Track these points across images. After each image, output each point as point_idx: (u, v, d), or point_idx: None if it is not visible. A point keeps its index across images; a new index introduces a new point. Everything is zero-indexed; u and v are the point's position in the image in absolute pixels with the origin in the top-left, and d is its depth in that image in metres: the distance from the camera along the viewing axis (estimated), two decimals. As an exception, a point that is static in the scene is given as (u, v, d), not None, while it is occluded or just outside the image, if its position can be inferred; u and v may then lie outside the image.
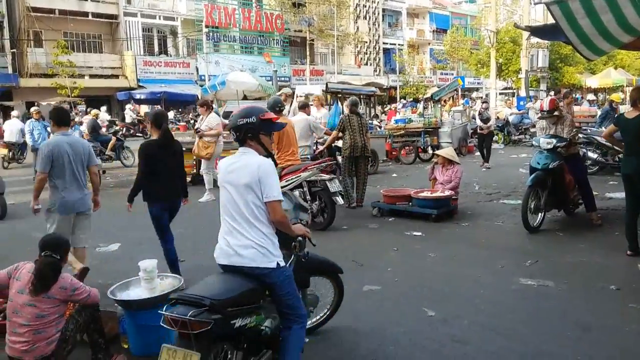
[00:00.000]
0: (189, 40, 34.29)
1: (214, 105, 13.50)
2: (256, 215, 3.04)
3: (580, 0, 5.25)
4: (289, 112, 10.60)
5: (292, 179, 7.24)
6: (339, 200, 7.43)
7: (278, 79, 27.72)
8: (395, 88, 42.94)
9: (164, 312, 2.77)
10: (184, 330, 2.70)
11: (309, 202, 7.36)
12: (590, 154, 11.58)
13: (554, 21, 5.75)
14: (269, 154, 3.25)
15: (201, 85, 24.11)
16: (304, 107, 9.86)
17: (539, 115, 7.73)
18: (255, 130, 3.14)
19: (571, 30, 5.70)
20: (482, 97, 24.06)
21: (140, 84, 29.88)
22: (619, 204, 8.01)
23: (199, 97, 16.40)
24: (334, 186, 7.34)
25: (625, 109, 14.74)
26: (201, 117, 10.38)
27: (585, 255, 5.99)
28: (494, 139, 19.06)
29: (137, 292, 4.06)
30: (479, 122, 13.81)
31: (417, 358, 3.78)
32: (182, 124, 14.76)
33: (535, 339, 3.94)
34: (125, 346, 4.02)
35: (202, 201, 9.56)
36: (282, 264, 3.09)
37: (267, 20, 36.12)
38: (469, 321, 4.30)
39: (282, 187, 7.99)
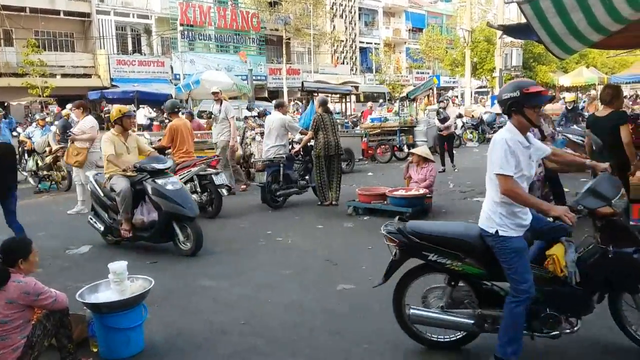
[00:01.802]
0: (164, 38, 33.88)
1: (186, 104, 13.34)
2: (491, 185, 3.36)
3: (551, -1, 5.31)
4: (219, 111, 10.36)
5: (184, 173, 8.41)
6: (224, 192, 8.39)
7: (254, 77, 27.58)
8: (372, 87, 43.10)
9: (382, 231, 3.62)
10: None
11: (199, 193, 8.46)
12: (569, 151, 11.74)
13: (526, 20, 5.81)
14: (534, 126, 3.44)
15: (176, 85, 23.85)
16: (280, 106, 9.82)
17: None
18: (519, 104, 3.28)
19: (542, 29, 5.75)
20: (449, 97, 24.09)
21: (114, 83, 29.42)
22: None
23: (173, 97, 16.25)
24: (220, 179, 8.37)
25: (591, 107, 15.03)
26: (77, 120, 9.68)
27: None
28: (469, 137, 19.33)
29: (106, 294, 3.99)
30: (436, 123, 13.30)
31: (392, 356, 3.78)
32: (156, 123, 14.55)
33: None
34: (95, 349, 3.94)
35: (71, 212, 8.91)
36: (503, 233, 3.30)
37: (243, 19, 35.87)
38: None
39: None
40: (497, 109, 21.30)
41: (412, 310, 3.66)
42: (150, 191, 6.23)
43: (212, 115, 10.94)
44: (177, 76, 31.00)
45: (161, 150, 8.62)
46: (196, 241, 6.24)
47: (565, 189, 7.63)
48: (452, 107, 15.75)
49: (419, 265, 3.70)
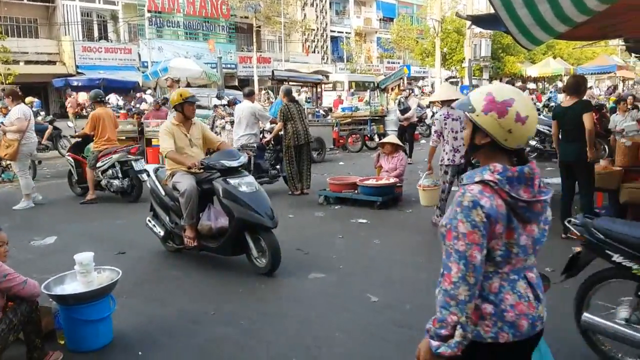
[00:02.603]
0: (131, 25, 33.18)
1: (154, 92, 13.11)
2: None
3: (519, -11, 5.37)
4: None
5: (106, 160, 8.64)
6: (145, 177, 7.98)
7: (224, 66, 27.28)
8: (342, 76, 43.08)
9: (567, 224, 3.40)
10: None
11: (120, 179, 8.71)
12: (529, 141, 11.96)
13: (494, 11, 5.87)
14: None
15: (143, 72, 23.42)
16: (249, 95, 9.74)
17: None
18: None
19: (510, 20, 5.82)
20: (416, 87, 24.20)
21: (79, 70, 28.75)
22: (556, 189, 8.28)
23: (140, 84, 15.96)
24: (139, 166, 8.60)
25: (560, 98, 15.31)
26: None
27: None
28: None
29: (73, 286, 3.92)
30: (397, 114, 13.11)
31: (362, 344, 3.80)
32: (123, 111, 14.27)
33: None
34: (62, 342, 3.87)
35: (17, 208, 8.41)
36: None
37: (212, 6, 35.40)
38: (411, 305, 4.37)
39: (98, 168, 8.48)
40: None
41: (585, 316, 3.32)
42: (221, 193, 5.17)
43: (168, 103, 10.75)
44: (145, 64, 30.47)
45: (84, 138, 9.09)
46: (272, 257, 5.10)
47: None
48: (414, 98, 15.67)
49: (609, 267, 3.32)
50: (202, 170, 5.38)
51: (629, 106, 11.77)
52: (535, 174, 1.94)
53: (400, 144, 8.66)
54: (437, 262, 2.02)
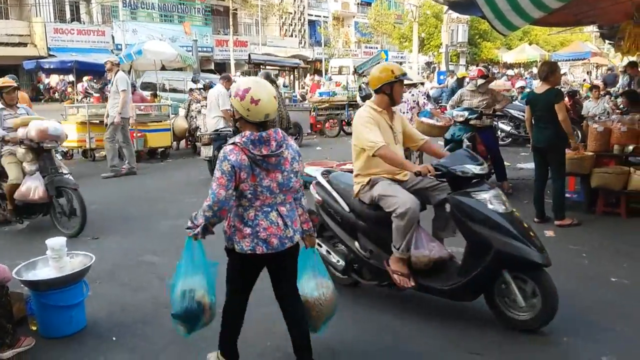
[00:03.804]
0: (104, 7, 32.47)
1: (129, 75, 12.86)
2: None
3: (495, -26, 5.41)
4: (112, 82, 9.64)
5: None
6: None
7: (200, 49, 26.91)
8: (320, 61, 42.89)
9: None
10: None
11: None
12: (503, 126, 12.11)
13: (471, -4, 5.90)
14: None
15: (117, 55, 22.97)
16: (224, 79, 9.64)
17: (470, 84, 7.93)
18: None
19: (486, 5, 5.87)
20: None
21: (51, 52, 28.05)
22: (529, 174, 8.43)
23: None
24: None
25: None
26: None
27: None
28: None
29: (45, 271, 3.85)
30: (358, 100, 12.49)
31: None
32: (96, 95, 13.99)
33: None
34: (34, 328, 3.82)
35: None
36: None
37: (188, -12, 34.84)
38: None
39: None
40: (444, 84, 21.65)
41: None
42: (467, 212, 3.65)
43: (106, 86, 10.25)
44: (119, 46, 29.86)
45: None
46: (547, 305, 3.51)
47: (507, 163, 7.88)
48: None
49: None
50: (431, 178, 3.85)
51: (602, 92, 11.98)
52: (271, 138, 2.81)
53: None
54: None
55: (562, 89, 8.65)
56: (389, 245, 3.86)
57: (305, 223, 3.13)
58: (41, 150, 6.02)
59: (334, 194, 4.27)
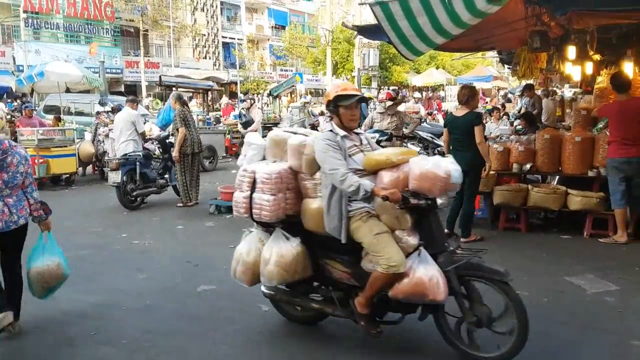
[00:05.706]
0: (5, 26, 30.65)
1: (31, 99, 12.20)
2: None
3: (400, 2, 5.61)
4: None
5: None
6: None
7: (108, 70, 26.01)
8: (235, 83, 42.69)
9: None
10: None
11: None
12: (413, 147, 12.52)
13: (377, 22, 6.09)
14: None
15: (17, 77, 21.71)
16: (130, 102, 9.40)
17: (379, 107, 8.16)
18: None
19: (392, 31, 6.06)
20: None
21: (-56, 74, 26.09)
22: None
23: (14, 89, 14.72)
24: None
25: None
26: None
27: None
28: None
29: None
30: (239, 128, 12.06)
31: (253, 354, 3.74)
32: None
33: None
34: None
35: None
36: None
37: (95, 7, 33.54)
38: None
39: None
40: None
41: None
42: None
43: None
44: (20, 67, 28.21)
45: None
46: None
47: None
48: (257, 109, 14.35)
49: None
50: None
51: (501, 114, 12.74)
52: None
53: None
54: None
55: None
56: None
57: (36, 211, 4.02)
58: None
59: None
